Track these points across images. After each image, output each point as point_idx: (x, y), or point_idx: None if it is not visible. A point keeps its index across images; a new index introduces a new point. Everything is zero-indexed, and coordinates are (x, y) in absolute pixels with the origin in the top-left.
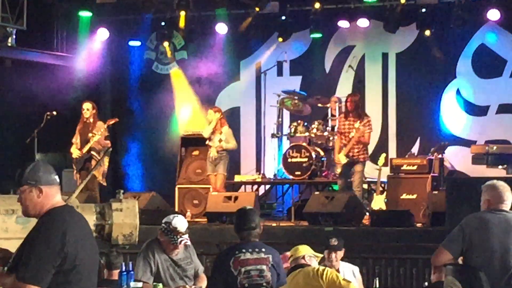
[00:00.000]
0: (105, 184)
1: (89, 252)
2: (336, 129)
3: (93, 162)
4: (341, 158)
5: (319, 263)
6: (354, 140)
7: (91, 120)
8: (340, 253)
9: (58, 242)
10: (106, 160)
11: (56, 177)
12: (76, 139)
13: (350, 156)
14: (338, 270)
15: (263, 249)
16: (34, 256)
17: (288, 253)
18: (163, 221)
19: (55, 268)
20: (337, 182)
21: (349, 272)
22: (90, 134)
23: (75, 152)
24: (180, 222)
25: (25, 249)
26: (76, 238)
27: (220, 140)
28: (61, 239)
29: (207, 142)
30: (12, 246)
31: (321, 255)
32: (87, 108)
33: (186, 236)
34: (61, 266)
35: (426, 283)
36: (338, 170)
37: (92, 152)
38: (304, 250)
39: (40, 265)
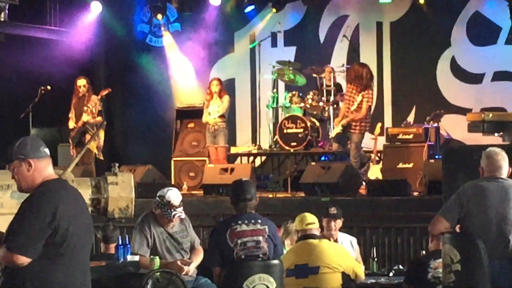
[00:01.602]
0: (102, 158)
1: (82, 225)
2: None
3: (88, 137)
4: (336, 128)
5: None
6: (352, 113)
7: (86, 94)
8: (339, 222)
9: (49, 214)
10: (101, 134)
11: (46, 150)
12: (72, 114)
13: (345, 126)
14: (336, 240)
15: (259, 220)
16: (24, 227)
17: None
18: (157, 194)
19: (45, 240)
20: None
21: (347, 243)
22: (85, 108)
23: (71, 124)
24: (173, 196)
25: (15, 220)
26: (68, 211)
27: (217, 110)
28: (52, 211)
29: (205, 116)
30: (7, 222)
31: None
32: (83, 85)
33: (180, 209)
34: (52, 238)
35: (424, 252)
36: (333, 134)
37: (87, 126)
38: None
39: (29, 237)
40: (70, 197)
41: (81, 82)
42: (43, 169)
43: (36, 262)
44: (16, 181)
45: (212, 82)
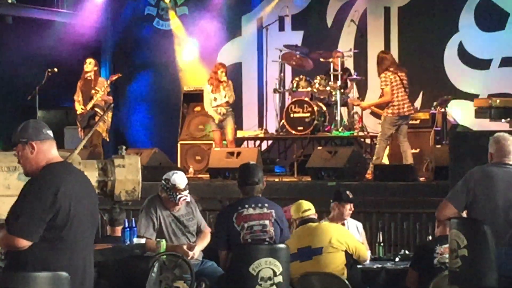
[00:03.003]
0: (108, 139)
1: (85, 209)
2: None
3: (97, 119)
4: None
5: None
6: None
7: (92, 76)
8: (352, 206)
9: (50, 196)
10: (109, 115)
11: (49, 132)
12: (78, 96)
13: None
14: (343, 224)
15: (266, 204)
16: (24, 210)
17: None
18: (163, 177)
19: (45, 223)
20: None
21: (354, 228)
22: (93, 91)
23: (79, 108)
24: (179, 179)
25: (16, 204)
26: (70, 194)
27: (226, 96)
28: (53, 194)
29: (212, 103)
30: None
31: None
32: (89, 62)
33: (186, 192)
34: (53, 221)
35: (430, 237)
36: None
37: (96, 109)
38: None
39: (30, 219)
40: (73, 180)
41: (89, 60)
42: (47, 151)
43: (37, 245)
44: (21, 165)
45: (220, 69)
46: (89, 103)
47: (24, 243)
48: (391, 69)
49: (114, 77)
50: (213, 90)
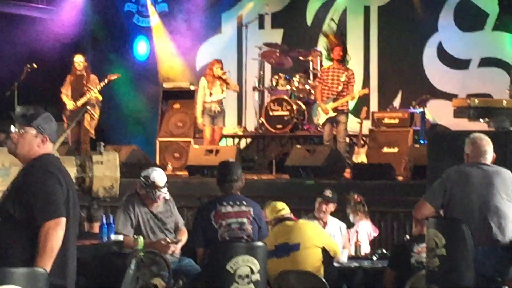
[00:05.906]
0: (95, 137)
1: (73, 200)
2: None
3: (87, 116)
4: (329, 110)
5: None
6: (342, 93)
7: (84, 73)
8: (331, 206)
9: (56, 182)
10: (97, 112)
11: (56, 137)
12: (67, 90)
13: (336, 107)
14: (326, 223)
15: (244, 202)
16: (46, 194)
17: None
18: (142, 174)
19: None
20: (322, 132)
21: (336, 228)
22: (85, 88)
23: (69, 103)
24: (158, 176)
25: (29, 200)
26: (65, 183)
27: (223, 92)
28: (58, 180)
29: (207, 98)
30: None
31: None
32: (80, 61)
33: (165, 190)
34: None
35: (408, 236)
36: (321, 118)
37: (88, 107)
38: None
39: (56, 199)
40: (64, 170)
41: (79, 58)
42: (48, 150)
43: (27, 238)
44: (15, 143)
45: (215, 64)
46: (80, 100)
47: (64, 221)
48: None
49: (113, 77)
50: (209, 86)
